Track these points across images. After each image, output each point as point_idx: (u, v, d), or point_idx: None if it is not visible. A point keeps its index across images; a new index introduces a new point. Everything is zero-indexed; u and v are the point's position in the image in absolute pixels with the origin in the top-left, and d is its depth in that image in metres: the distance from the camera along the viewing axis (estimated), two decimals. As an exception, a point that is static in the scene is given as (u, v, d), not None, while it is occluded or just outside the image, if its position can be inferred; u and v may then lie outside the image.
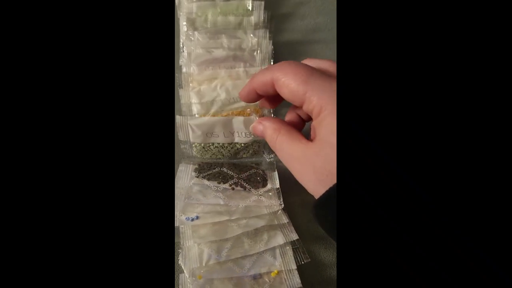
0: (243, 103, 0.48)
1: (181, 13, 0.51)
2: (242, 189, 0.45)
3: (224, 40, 0.50)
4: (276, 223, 0.43)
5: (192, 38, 0.50)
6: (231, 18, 0.51)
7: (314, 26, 0.55)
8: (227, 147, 0.47)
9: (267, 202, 0.44)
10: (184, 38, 0.50)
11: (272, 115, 0.49)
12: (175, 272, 0.41)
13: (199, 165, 0.47)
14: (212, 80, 0.49)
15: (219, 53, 0.49)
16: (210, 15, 0.51)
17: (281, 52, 0.53)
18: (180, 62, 0.50)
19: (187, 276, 0.39)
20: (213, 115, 0.48)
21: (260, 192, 0.44)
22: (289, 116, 0.41)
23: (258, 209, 0.43)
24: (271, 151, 0.49)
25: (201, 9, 0.51)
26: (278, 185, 0.45)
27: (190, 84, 0.48)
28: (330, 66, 0.35)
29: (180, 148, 0.48)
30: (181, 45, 0.50)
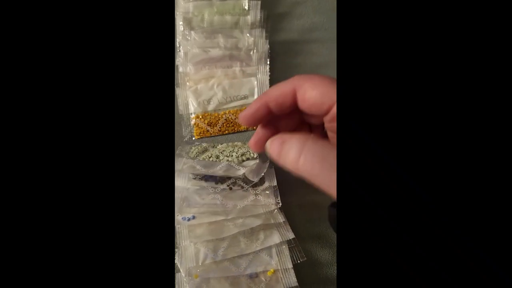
0: (240, 102, 0.48)
1: (177, 13, 0.51)
2: (239, 188, 0.44)
3: (221, 40, 0.50)
4: (273, 222, 0.43)
5: (189, 38, 0.50)
6: (228, 18, 0.51)
7: (311, 25, 0.55)
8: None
9: (264, 201, 0.44)
10: (180, 37, 0.50)
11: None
12: (172, 272, 0.41)
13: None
14: (208, 79, 0.49)
15: (215, 52, 0.49)
16: (207, 14, 0.51)
17: (278, 52, 0.52)
18: (176, 62, 0.50)
19: (184, 276, 0.39)
20: (210, 113, 0.48)
21: (258, 190, 0.44)
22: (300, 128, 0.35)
23: (255, 208, 0.43)
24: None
25: (198, 8, 0.51)
26: (275, 183, 0.45)
27: (187, 84, 0.48)
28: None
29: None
30: (178, 45, 0.50)
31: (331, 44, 0.53)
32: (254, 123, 0.33)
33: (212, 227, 0.42)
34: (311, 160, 0.27)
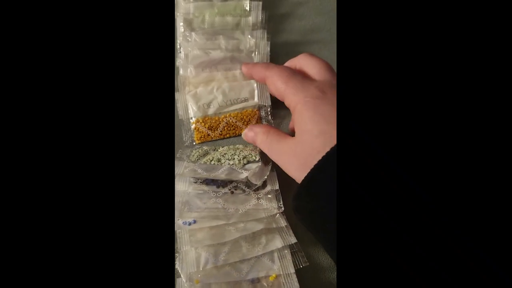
0: (240, 105, 0.49)
1: (178, 14, 0.51)
2: (241, 192, 0.45)
3: (222, 41, 0.50)
4: (274, 226, 0.43)
5: (189, 39, 0.50)
6: (229, 19, 0.52)
7: (312, 26, 0.55)
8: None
9: (266, 205, 0.44)
10: (181, 39, 0.51)
11: (270, 117, 0.49)
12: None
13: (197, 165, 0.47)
14: (208, 82, 0.49)
15: (216, 54, 0.49)
16: (208, 15, 0.51)
17: (279, 53, 0.53)
18: (177, 63, 0.50)
19: (184, 281, 0.39)
20: (211, 117, 0.48)
21: (260, 194, 0.45)
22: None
23: (256, 213, 0.43)
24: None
25: (199, 9, 0.51)
26: (277, 186, 0.45)
27: (187, 88, 0.49)
28: (316, 66, 0.42)
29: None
30: (178, 46, 0.51)
31: (332, 46, 0.54)
32: (248, 78, 0.49)
33: (213, 232, 0.42)
34: (270, 153, 0.43)
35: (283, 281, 0.40)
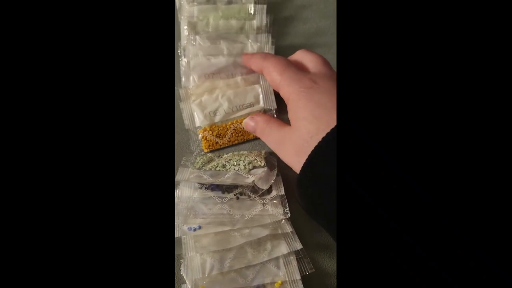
0: (245, 112, 0.49)
1: (182, 17, 0.52)
2: (246, 197, 0.45)
3: (226, 46, 0.51)
4: (280, 232, 0.43)
5: (194, 43, 0.51)
6: (233, 22, 0.52)
7: (317, 29, 0.56)
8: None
9: (272, 210, 0.44)
10: (185, 42, 0.51)
11: (275, 115, 0.50)
12: (177, 283, 0.41)
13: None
14: (212, 90, 0.50)
15: (219, 61, 0.50)
16: (212, 19, 0.52)
17: (284, 56, 0.53)
18: (181, 66, 0.51)
19: (189, 287, 0.40)
20: (218, 125, 0.49)
21: (265, 200, 0.45)
22: None
23: (262, 218, 0.44)
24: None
25: (203, 12, 0.52)
26: (283, 192, 0.45)
27: (192, 97, 0.49)
28: (313, 60, 0.44)
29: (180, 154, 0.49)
30: (182, 50, 0.51)
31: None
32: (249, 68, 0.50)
33: (219, 238, 0.42)
34: (268, 142, 0.45)
35: (289, 287, 0.41)
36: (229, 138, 0.49)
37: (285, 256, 0.42)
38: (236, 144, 0.50)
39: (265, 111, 0.50)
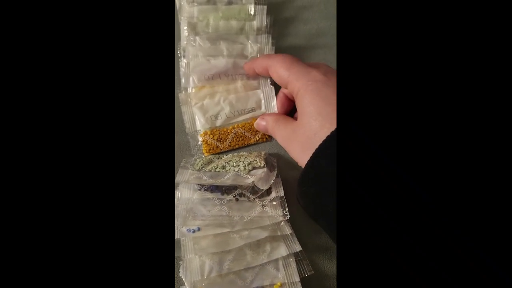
0: (247, 116, 0.49)
1: (182, 17, 0.52)
2: (245, 199, 0.45)
3: (226, 46, 0.51)
4: (279, 234, 0.43)
5: (194, 44, 0.51)
6: (233, 23, 0.52)
7: (318, 31, 0.56)
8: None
9: (271, 212, 0.44)
10: (185, 43, 0.51)
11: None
12: (176, 285, 0.41)
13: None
14: (213, 94, 0.50)
15: (219, 62, 0.50)
16: (212, 19, 0.52)
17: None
18: (180, 67, 0.51)
19: (188, 289, 0.40)
20: (219, 129, 0.49)
21: (265, 201, 0.45)
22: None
23: (261, 220, 0.44)
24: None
25: (203, 13, 0.52)
26: (282, 193, 0.45)
27: (194, 101, 0.49)
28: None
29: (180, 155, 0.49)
30: (182, 51, 0.51)
31: (337, 50, 0.54)
32: (250, 75, 0.50)
33: (218, 239, 0.42)
34: (278, 139, 0.45)
35: (288, 289, 0.41)
36: (229, 142, 0.50)
37: (284, 258, 0.43)
38: (236, 149, 0.50)
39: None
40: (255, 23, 0.53)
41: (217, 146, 0.49)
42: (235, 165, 0.46)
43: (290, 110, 0.49)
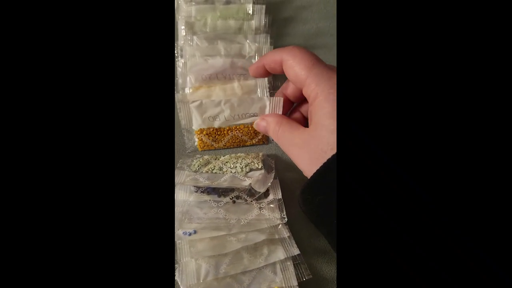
0: (247, 121, 0.49)
1: (179, 17, 0.52)
2: (243, 201, 0.46)
3: (223, 46, 0.51)
4: (277, 237, 0.43)
5: (191, 43, 0.51)
6: (231, 22, 0.52)
7: (317, 31, 0.56)
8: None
9: (269, 215, 0.44)
10: (182, 42, 0.51)
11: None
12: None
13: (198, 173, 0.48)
14: (210, 95, 0.50)
15: (216, 61, 0.50)
16: (210, 19, 0.52)
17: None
18: (177, 67, 0.51)
19: (184, 293, 0.40)
20: (215, 129, 0.49)
21: (262, 204, 0.45)
22: (294, 115, 0.46)
23: (258, 223, 0.44)
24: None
25: (201, 12, 0.52)
26: (280, 195, 0.45)
27: (191, 100, 0.49)
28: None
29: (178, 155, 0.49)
30: (179, 50, 0.51)
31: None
32: (259, 76, 0.45)
33: (214, 242, 0.42)
34: (281, 143, 0.41)
35: (286, 293, 0.41)
36: (225, 143, 0.50)
37: (282, 261, 0.43)
38: (232, 148, 0.51)
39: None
40: (253, 23, 0.53)
41: (212, 145, 0.50)
42: (232, 166, 0.46)
43: (289, 110, 0.47)
